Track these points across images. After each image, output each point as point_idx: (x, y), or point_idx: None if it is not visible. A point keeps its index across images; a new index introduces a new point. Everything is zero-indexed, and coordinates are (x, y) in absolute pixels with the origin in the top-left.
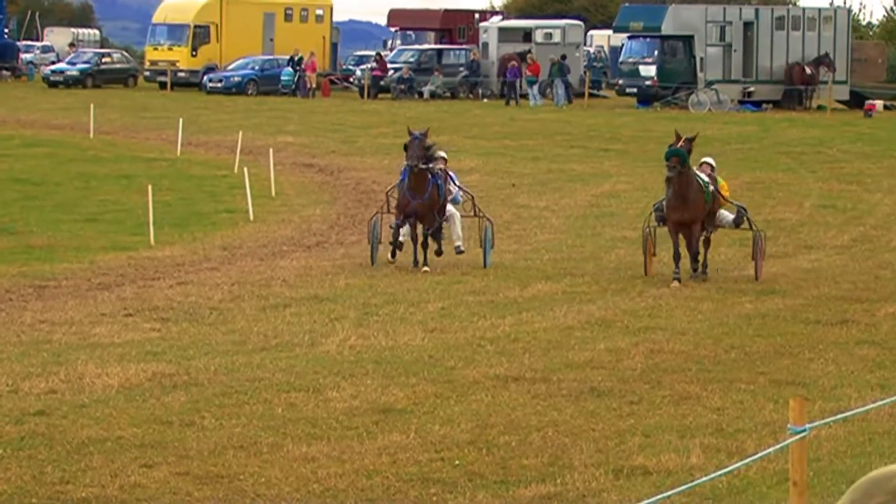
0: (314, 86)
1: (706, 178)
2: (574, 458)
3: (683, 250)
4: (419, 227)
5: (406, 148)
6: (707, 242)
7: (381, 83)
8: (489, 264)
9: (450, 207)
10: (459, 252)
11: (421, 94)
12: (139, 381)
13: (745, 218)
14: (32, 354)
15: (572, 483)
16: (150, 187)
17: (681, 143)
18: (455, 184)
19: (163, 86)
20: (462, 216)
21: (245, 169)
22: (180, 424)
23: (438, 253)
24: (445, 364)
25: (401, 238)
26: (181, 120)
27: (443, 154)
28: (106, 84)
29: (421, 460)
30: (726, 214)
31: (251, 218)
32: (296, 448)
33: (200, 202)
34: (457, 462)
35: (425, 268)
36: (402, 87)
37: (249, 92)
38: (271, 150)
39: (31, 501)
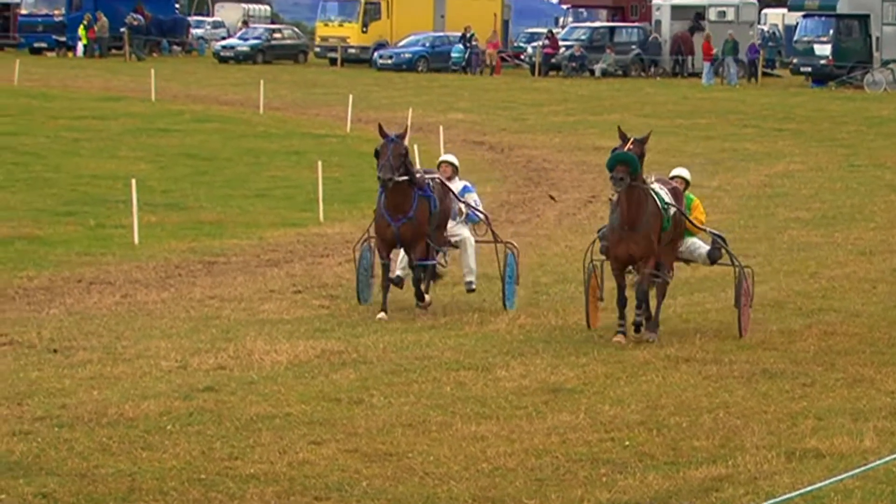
0: (493, 63)
1: (666, 196)
2: (745, 440)
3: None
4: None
5: (377, 155)
6: (662, 290)
7: (553, 61)
8: (513, 305)
9: (462, 231)
10: (471, 290)
11: (592, 72)
12: (308, 357)
13: (722, 251)
14: (201, 330)
15: (744, 465)
16: (319, 163)
17: (628, 145)
18: (461, 200)
19: (333, 62)
20: (476, 241)
21: (415, 146)
22: (349, 402)
23: (419, 298)
24: (616, 344)
25: (399, 272)
26: (351, 96)
27: (450, 159)
28: (276, 60)
29: (591, 440)
30: (698, 244)
31: None
32: (465, 427)
33: (370, 179)
34: (627, 443)
35: (418, 308)
36: (574, 64)
37: (420, 69)
38: (441, 128)
39: (200, 477)
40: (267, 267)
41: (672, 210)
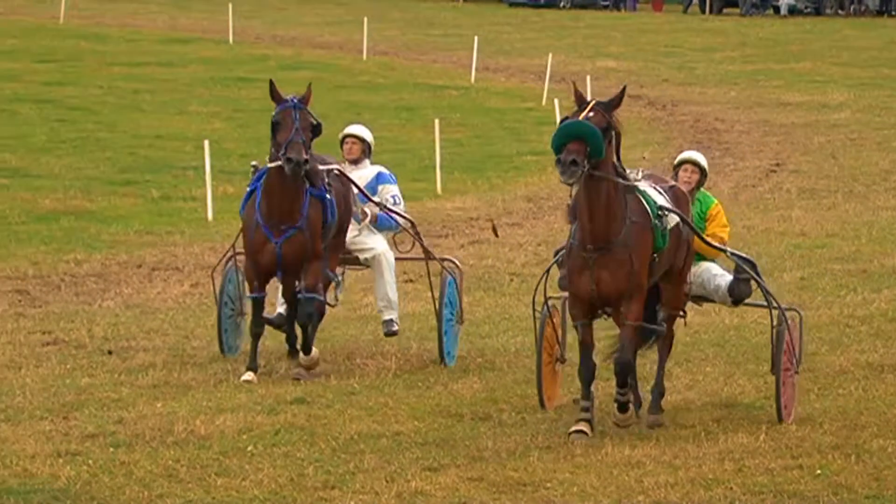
0: None
1: (659, 198)
2: None
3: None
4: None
5: (276, 128)
6: (667, 343)
7: None
8: (453, 358)
9: (375, 244)
10: (391, 332)
11: (777, 10)
12: (422, 363)
13: (750, 283)
14: None
15: None
16: (437, 122)
17: (587, 111)
18: (373, 200)
19: None
20: (398, 259)
21: (556, 101)
22: (472, 418)
23: (305, 349)
24: (805, 348)
25: (281, 309)
26: (477, 38)
27: (357, 132)
28: None
29: (773, 468)
30: (714, 272)
31: None
32: (616, 450)
33: (500, 141)
34: (818, 471)
35: (297, 370)
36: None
37: (562, 4)
38: (588, 78)
39: None
40: None
41: (671, 220)
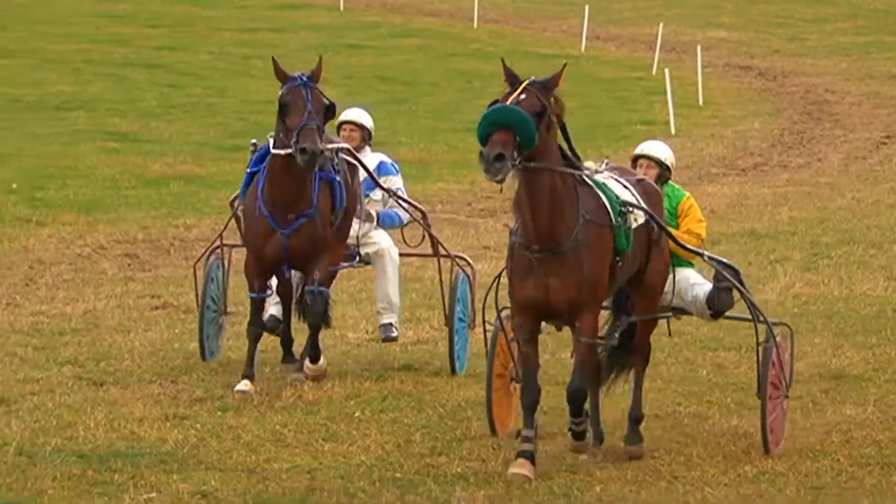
0: None
1: (623, 192)
2: None
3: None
4: (293, 284)
5: (284, 110)
6: (642, 359)
7: None
8: (462, 366)
9: (380, 238)
10: (390, 338)
11: None
12: None
13: (732, 293)
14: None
15: None
16: None
17: (518, 93)
18: (382, 186)
19: None
20: (403, 255)
21: (666, 70)
22: None
23: (313, 356)
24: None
25: (273, 310)
26: (587, 7)
27: (356, 118)
28: None
29: (881, 440)
30: (693, 281)
31: (673, 131)
32: (724, 420)
33: (609, 110)
34: None
35: (295, 372)
36: None
37: None
38: (699, 48)
39: (395, 476)
40: (481, 218)
41: (636, 218)
